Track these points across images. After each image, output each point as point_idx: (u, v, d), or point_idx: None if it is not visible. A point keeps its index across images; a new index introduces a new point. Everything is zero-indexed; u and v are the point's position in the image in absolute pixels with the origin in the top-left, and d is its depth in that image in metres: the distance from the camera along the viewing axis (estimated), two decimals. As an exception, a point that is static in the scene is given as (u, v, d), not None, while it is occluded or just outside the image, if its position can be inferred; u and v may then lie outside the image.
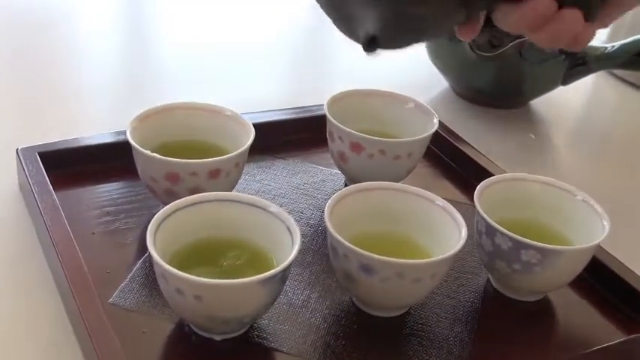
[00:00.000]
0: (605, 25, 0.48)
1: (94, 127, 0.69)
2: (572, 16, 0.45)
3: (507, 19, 0.46)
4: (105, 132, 0.65)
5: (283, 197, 0.63)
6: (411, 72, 0.91)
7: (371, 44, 0.46)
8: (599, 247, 0.56)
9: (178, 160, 0.54)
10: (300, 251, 0.56)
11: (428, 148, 0.65)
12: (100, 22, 0.97)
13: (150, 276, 0.52)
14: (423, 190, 0.54)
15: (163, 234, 0.48)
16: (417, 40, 0.48)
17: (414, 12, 0.46)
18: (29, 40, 0.89)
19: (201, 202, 0.50)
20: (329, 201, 0.51)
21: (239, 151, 0.56)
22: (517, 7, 0.45)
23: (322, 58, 0.99)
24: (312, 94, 0.71)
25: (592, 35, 0.47)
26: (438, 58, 0.84)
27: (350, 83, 0.67)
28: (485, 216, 0.52)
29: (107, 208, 0.59)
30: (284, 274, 0.46)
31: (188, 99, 0.61)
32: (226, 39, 0.96)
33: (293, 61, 0.96)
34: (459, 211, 0.53)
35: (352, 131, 0.60)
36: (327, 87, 0.66)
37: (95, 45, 0.91)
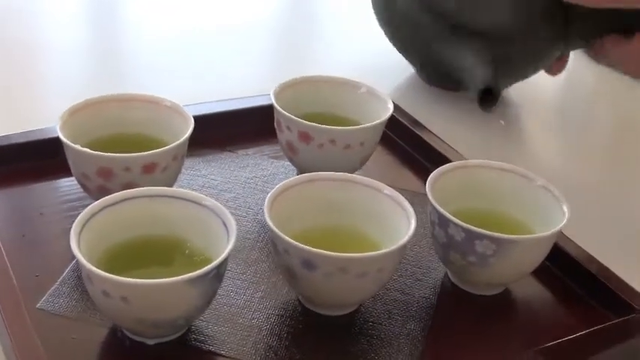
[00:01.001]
0: None
1: (38, 122, 0.68)
2: None
3: (618, 54, 0.49)
4: (36, 128, 0.64)
5: (230, 192, 0.63)
6: (376, 59, 0.91)
7: (487, 95, 0.53)
8: (561, 234, 0.56)
9: (109, 154, 0.54)
10: (245, 248, 0.57)
11: (386, 135, 0.65)
12: (58, 15, 0.96)
13: (81, 279, 0.51)
14: (370, 180, 0.54)
15: (90, 233, 0.48)
16: (517, 79, 0.55)
17: (522, 52, 0.50)
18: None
19: (130, 198, 0.50)
20: (269, 194, 0.51)
21: (176, 143, 0.55)
22: (630, 40, 0.47)
23: (285, 46, 0.99)
24: (265, 84, 0.71)
25: None
26: (402, 44, 0.83)
27: (313, 72, 0.67)
28: (436, 205, 0.52)
29: (41, 209, 0.59)
30: (218, 272, 0.46)
31: (147, 91, 0.61)
32: (189, 28, 0.96)
33: (258, 48, 0.96)
34: (419, 202, 0.53)
35: (300, 120, 0.60)
36: (286, 76, 0.66)
37: (51, 36, 0.91)
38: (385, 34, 0.82)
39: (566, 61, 0.51)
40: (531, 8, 0.48)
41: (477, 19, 0.48)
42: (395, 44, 0.83)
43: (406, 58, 0.85)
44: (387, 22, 0.78)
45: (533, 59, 0.52)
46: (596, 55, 0.50)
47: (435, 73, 0.85)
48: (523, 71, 0.52)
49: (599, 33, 0.49)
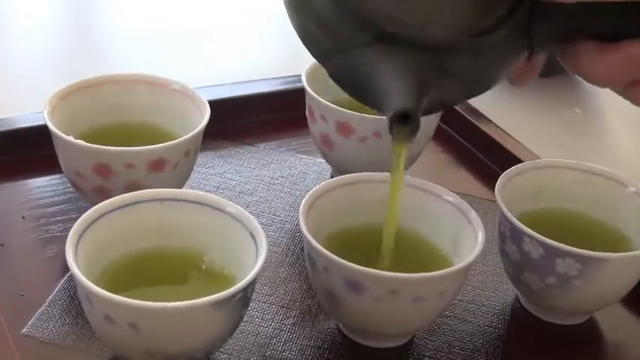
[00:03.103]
0: None
1: (17, 108, 0.68)
2: None
3: (593, 67, 0.43)
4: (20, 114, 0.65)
5: (251, 195, 0.63)
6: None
7: (401, 120, 0.43)
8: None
9: (110, 147, 0.54)
10: (271, 264, 0.57)
11: (439, 128, 0.65)
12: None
13: (75, 299, 0.52)
14: (428, 183, 0.54)
15: (89, 244, 0.48)
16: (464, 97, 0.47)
17: (459, 66, 0.43)
18: None
19: (137, 202, 0.50)
20: (305, 198, 0.51)
21: (189, 135, 0.55)
22: (608, 50, 0.43)
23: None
24: (297, 63, 0.71)
25: None
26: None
27: None
28: (509, 215, 0.52)
29: (23, 212, 0.59)
30: (245, 295, 0.46)
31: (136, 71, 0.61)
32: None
33: (273, 21, 0.96)
34: (480, 209, 0.53)
35: (339, 108, 0.60)
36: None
37: (29, 6, 0.91)
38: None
39: (534, 68, 0.48)
40: (485, 3, 0.42)
41: (410, 20, 0.42)
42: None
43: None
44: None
45: (487, 71, 0.45)
46: (568, 65, 0.46)
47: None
48: (472, 88, 0.46)
49: (572, 35, 0.44)
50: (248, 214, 0.49)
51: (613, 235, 0.56)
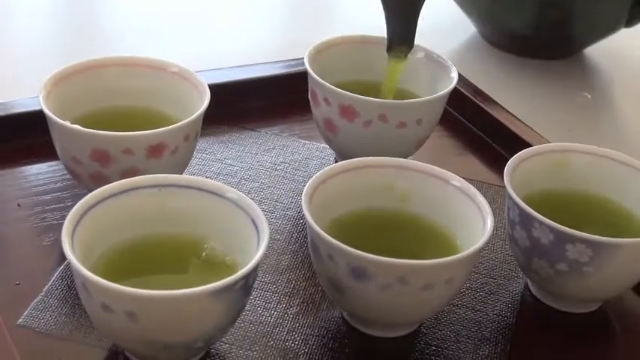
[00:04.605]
0: None
1: (12, 92, 0.68)
2: None
3: None
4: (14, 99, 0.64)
5: (253, 181, 0.63)
6: (426, 13, 0.90)
7: None
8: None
9: (107, 132, 0.53)
10: (274, 252, 0.57)
11: (446, 112, 0.65)
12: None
13: (72, 288, 0.52)
14: (435, 167, 0.54)
15: (86, 232, 0.47)
16: None
17: None
18: None
19: (135, 188, 0.50)
20: (308, 183, 0.51)
21: (188, 119, 0.55)
22: None
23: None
24: (300, 47, 0.71)
25: None
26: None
27: (348, 31, 0.67)
28: (518, 200, 0.52)
29: (18, 200, 0.59)
30: (246, 283, 0.46)
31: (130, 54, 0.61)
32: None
33: (275, 4, 0.96)
34: (488, 195, 0.53)
35: (342, 91, 0.60)
36: (318, 37, 0.65)
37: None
38: None
39: None
40: None
41: None
42: None
43: (464, 11, 0.85)
44: None
45: None
46: None
47: (502, 32, 0.84)
48: None
49: None
50: (250, 200, 0.49)
51: (626, 219, 0.56)
